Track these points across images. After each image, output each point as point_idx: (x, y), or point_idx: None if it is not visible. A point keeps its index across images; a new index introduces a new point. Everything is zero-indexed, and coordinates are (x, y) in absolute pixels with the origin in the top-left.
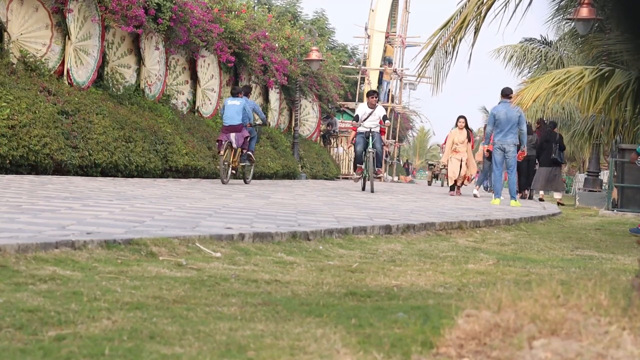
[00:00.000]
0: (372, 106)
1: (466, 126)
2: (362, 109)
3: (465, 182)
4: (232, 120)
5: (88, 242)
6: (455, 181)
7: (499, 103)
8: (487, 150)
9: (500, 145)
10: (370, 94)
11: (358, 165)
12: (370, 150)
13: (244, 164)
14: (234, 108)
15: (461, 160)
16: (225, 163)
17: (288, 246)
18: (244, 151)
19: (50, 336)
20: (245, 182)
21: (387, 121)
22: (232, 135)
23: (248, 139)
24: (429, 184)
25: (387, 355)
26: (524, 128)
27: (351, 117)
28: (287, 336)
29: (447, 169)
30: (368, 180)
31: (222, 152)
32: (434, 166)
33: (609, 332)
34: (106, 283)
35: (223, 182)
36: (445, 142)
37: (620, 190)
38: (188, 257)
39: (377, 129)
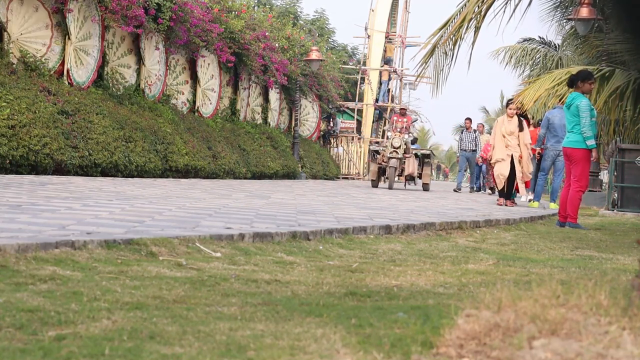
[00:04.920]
0: None
1: (523, 115)
2: None
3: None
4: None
5: (88, 242)
6: (504, 187)
7: (554, 107)
8: (538, 154)
9: (554, 150)
10: None
11: None
12: None
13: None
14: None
15: (512, 157)
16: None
17: (288, 246)
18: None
19: (50, 336)
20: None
21: None
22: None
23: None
24: (374, 184)
25: (387, 355)
26: None
27: (351, 117)
28: (287, 336)
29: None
30: None
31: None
32: (379, 154)
33: (609, 332)
34: (106, 283)
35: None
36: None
37: (620, 190)
38: (188, 257)
39: None
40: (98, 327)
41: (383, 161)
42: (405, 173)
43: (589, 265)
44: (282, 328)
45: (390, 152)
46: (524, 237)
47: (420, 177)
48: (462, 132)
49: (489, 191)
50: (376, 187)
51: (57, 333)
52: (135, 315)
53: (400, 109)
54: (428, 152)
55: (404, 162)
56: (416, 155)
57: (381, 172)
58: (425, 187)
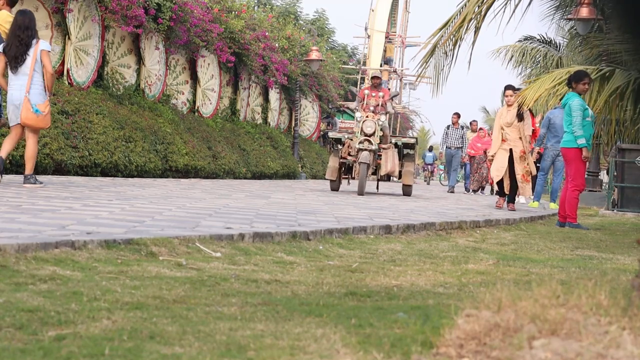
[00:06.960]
0: None
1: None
2: None
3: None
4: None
5: (88, 242)
6: (501, 184)
7: (555, 107)
8: (538, 153)
9: (554, 150)
10: None
11: None
12: None
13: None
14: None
15: (511, 152)
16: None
17: (288, 246)
18: None
19: (50, 336)
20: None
21: None
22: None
23: None
24: (334, 186)
25: (387, 355)
26: None
27: (351, 118)
28: (287, 336)
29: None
30: None
31: None
32: (343, 144)
33: (609, 332)
34: (106, 283)
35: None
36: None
37: (620, 190)
38: (188, 257)
39: None
40: (98, 327)
41: (349, 154)
42: (382, 171)
43: (589, 265)
44: (282, 328)
45: (361, 142)
46: (524, 237)
47: (399, 176)
48: (447, 128)
49: (471, 192)
50: (336, 190)
51: (57, 333)
52: (135, 315)
53: (373, 77)
54: (413, 140)
55: (380, 155)
56: (395, 145)
57: (345, 169)
58: (407, 190)
